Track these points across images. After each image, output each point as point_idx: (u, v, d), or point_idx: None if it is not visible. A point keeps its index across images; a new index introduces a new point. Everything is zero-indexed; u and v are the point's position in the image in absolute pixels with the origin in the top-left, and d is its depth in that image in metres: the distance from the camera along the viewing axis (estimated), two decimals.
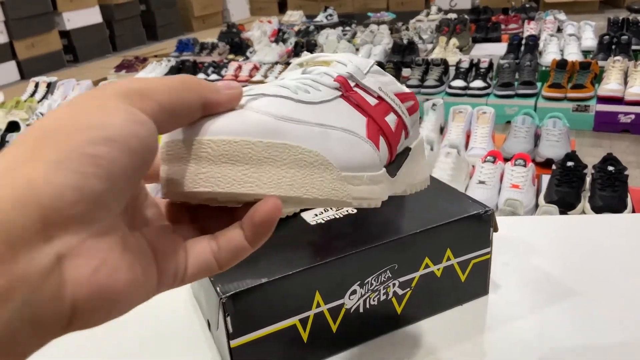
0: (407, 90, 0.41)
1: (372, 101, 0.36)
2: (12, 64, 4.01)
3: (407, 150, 0.42)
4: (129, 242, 0.23)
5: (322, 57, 0.37)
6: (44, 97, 2.90)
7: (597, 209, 1.35)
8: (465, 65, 2.72)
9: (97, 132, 0.20)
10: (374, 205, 0.34)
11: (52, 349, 0.31)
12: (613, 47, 2.86)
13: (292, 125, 0.29)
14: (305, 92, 0.32)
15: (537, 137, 1.93)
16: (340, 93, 0.34)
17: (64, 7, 4.23)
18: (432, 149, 1.71)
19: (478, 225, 0.55)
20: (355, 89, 0.35)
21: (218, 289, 0.45)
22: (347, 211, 0.56)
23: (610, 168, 1.42)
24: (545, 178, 1.56)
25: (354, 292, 0.50)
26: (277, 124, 0.28)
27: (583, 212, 1.41)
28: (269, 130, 0.27)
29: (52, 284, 0.19)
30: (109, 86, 0.23)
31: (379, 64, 2.85)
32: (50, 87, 2.97)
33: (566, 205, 1.37)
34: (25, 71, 4.02)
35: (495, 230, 0.56)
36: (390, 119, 0.37)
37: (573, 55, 2.84)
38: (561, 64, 2.54)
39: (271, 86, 0.31)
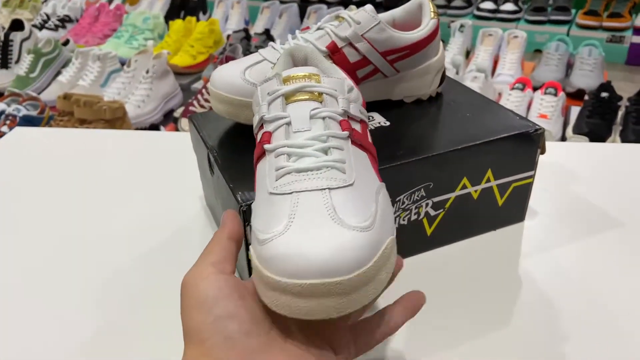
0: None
1: (360, 127, 0.35)
2: None
3: None
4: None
5: (312, 85, 0.34)
6: None
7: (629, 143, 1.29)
8: None
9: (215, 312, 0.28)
10: None
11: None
12: None
13: None
14: (342, 170, 0.31)
15: (568, 67, 1.82)
16: (348, 137, 0.33)
17: None
18: (457, 73, 1.61)
19: (525, 145, 0.50)
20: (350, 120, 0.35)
21: (238, 197, 0.41)
22: (379, 123, 0.51)
23: None
24: (574, 110, 1.48)
25: None
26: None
27: None
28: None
29: None
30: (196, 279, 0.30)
31: None
32: None
33: (596, 137, 1.30)
34: None
35: (543, 151, 0.51)
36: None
37: None
38: None
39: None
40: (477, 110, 0.53)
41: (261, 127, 0.34)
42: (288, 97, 0.34)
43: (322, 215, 0.28)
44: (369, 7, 0.49)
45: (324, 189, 0.30)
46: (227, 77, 0.48)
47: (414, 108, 0.54)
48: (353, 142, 0.33)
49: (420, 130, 0.50)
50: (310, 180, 0.30)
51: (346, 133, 0.33)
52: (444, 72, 0.56)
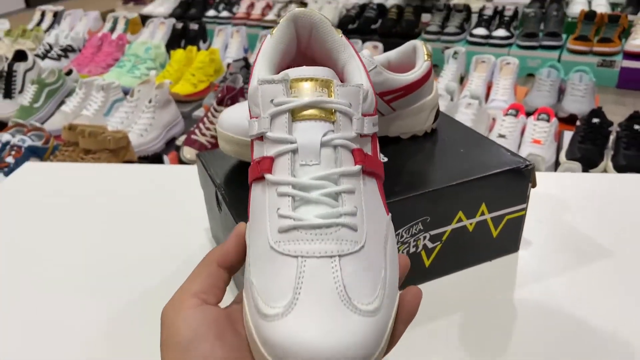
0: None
1: (370, 146, 0.33)
2: None
3: None
4: None
5: (324, 102, 0.31)
6: (51, 26, 2.81)
7: (620, 168, 1.32)
8: (489, 12, 2.59)
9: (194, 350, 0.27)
10: None
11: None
12: None
13: None
14: (354, 212, 0.29)
15: (560, 92, 1.86)
16: (361, 170, 0.31)
17: None
18: (451, 99, 1.65)
19: (516, 180, 0.52)
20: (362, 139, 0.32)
21: None
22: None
23: (637, 127, 1.37)
24: (567, 135, 1.51)
25: None
26: None
27: (605, 171, 1.38)
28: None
29: None
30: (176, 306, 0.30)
31: (399, 7, 2.73)
32: (57, 16, 2.87)
33: (588, 163, 1.33)
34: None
35: (534, 185, 0.54)
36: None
37: (601, 7, 2.70)
38: (589, 16, 2.42)
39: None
40: (470, 146, 0.56)
41: (261, 138, 0.31)
42: (295, 113, 0.30)
43: (331, 296, 0.26)
44: (366, 52, 0.52)
45: (334, 256, 0.28)
46: (234, 119, 0.50)
47: (410, 144, 0.57)
48: (364, 172, 0.31)
49: (416, 166, 0.53)
50: (319, 243, 0.28)
51: (359, 167, 0.30)
52: (438, 109, 0.59)
